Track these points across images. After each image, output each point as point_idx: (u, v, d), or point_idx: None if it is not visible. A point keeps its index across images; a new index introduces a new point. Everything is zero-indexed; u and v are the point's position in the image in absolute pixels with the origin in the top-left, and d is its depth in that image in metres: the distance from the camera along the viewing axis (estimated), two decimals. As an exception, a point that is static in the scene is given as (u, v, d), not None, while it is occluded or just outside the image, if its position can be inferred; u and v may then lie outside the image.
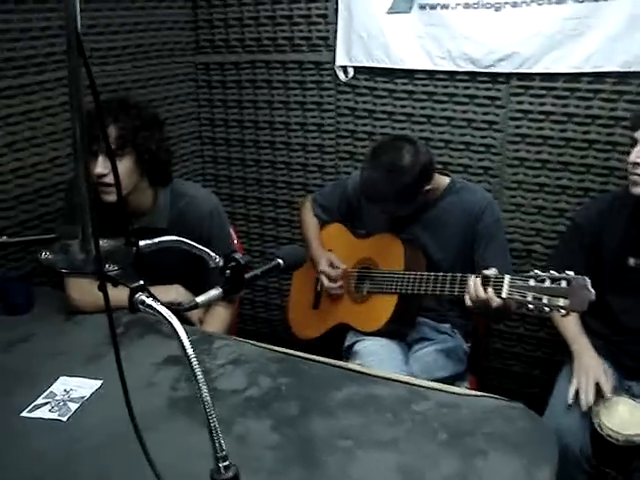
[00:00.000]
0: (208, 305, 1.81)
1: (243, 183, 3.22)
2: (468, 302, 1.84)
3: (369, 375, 1.68)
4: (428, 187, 2.06)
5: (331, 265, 2.32)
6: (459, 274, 1.96)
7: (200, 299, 1.15)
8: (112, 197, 1.87)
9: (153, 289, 2.04)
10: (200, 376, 0.83)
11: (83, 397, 1.59)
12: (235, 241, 2.37)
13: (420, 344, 2.23)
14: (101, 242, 0.86)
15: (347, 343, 2.26)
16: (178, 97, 3.03)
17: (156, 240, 1.12)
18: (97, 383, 1.65)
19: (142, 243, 1.01)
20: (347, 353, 2.24)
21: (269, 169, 3.12)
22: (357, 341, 2.21)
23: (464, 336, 2.30)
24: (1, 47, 2.14)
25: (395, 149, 2.01)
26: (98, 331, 1.89)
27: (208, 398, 0.81)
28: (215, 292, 1.17)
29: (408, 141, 2.05)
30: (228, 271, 1.17)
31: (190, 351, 0.84)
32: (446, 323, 2.28)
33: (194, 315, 2.10)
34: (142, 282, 0.92)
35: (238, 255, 1.19)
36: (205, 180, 3.29)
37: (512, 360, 2.87)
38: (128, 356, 1.73)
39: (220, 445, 0.83)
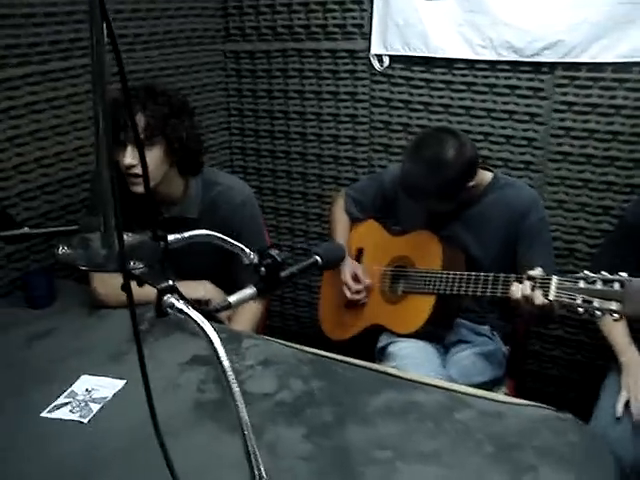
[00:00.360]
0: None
1: (272, 175, 3.16)
2: (513, 303, 1.74)
3: (407, 380, 1.59)
4: (472, 183, 1.96)
5: (355, 278, 2.23)
6: (502, 274, 1.86)
7: (233, 299, 1.06)
8: (142, 188, 1.81)
9: (181, 284, 2.02)
10: (239, 398, 0.73)
11: (105, 398, 1.53)
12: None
13: (458, 347, 2.13)
14: (125, 236, 0.76)
15: (380, 344, 2.17)
16: (206, 86, 2.96)
17: (186, 235, 1.03)
18: (120, 383, 1.58)
19: (171, 237, 0.91)
20: (380, 355, 2.15)
21: (299, 161, 3.05)
22: (391, 342, 2.12)
23: (503, 338, 2.20)
24: (26, 32, 2.07)
25: (438, 142, 1.91)
26: (123, 327, 1.83)
27: (247, 419, 0.72)
28: (249, 291, 1.08)
29: (452, 134, 1.94)
30: (263, 269, 1.08)
31: (227, 365, 0.74)
32: (485, 325, 2.17)
33: (223, 312, 2.02)
34: (171, 282, 0.82)
35: (274, 251, 1.09)
36: (233, 172, 3.22)
37: (550, 363, 2.76)
38: (152, 355, 1.68)
39: (259, 470, 0.73)
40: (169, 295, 0.84)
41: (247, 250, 1.13)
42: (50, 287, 2.04)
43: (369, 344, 2.23)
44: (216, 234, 1.13)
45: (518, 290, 1.72)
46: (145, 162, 1.05)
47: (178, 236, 1.01)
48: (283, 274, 1.12)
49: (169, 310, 0.85)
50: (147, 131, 1.78)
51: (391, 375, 1.62)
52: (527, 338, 2.61)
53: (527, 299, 1.70)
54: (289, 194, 3.14)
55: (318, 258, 1.22)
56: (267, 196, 3.20)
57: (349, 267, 2.24)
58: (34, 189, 2.18)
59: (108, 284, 1.92)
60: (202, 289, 2.00)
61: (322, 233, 3.10)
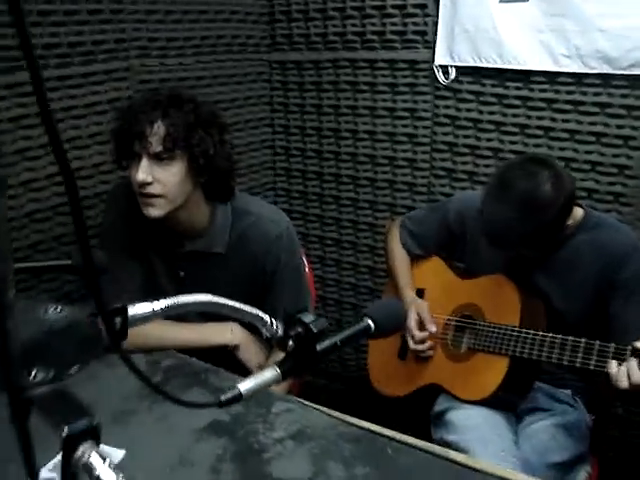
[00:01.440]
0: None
1: (319, 200, 2.90)
2: (614, 382, 1.43)
3: (478, 471, 1.25)
4: (568, 223, 1.63)
5: (420, 324, 1.91)
6: (597, 342, 1.54)
7: (245, 386, 0.73)
8: (158, 211, 1.54)
9: (204, 326, 1.71)
10: None
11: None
12: (306, 268, 1.98)
13: (533, 416, 1.78)
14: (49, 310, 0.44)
15: (438, 408, 1.84)
16: (249, 99, 2.71)
17: (171, 302, 0.70)
18: (119, 454, 1.29)
19: (140, 310, 0.59)
20: (437, 420, 1.82)
21: (350, 185, 2.79)
22: (451, 408, 1.78)
23: (586, 404, 1.85)
24: (68, 31, 1.90)
25: (530, 176, 1.57)
26: (131, 379, 1.54)
27: None
28: (269, 375, 0.75)
29: (544, 164, 1.61)
30: (290, 342, 0.75)
31: None
32: (566, 389, 1.83)
33: (252, 360, 1.73)
34: (89, 422, 0.49)
35: (307, 317, 0.77)
36: (277, 195, 2.99)
37: (637, 430, 2.36)
38: (164, 417, 1.41)
39: None
40: (84, 444, 0.51)
41: (266, 318, 0.80)
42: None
43: (423, 404, 1.91)
44: (220, 301, 0.80)
45: (623, 376, 1.43)
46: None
47: (144, 310, 0.68)
48: (320, 347, 0.80)
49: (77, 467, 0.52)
50: (167, 142, 1.49)
51: (458, 463, 1.28)
52: (613, 403, 2.23)
53: (631, 380, 1.40)
54: (337, 221, 2.88)
55: (371, 323, 0.89)
56: (312, 223, 2.95)
57: (414, 311, 1.93)
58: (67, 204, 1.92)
59: None
60: (229, 333, 1.71)
61: (373, 267, 2.82)
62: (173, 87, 1.81)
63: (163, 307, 0.65)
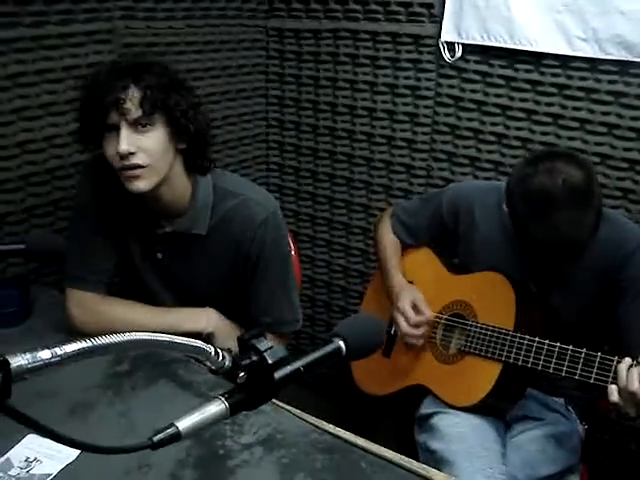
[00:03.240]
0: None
1: (312, 178, 2.78)
2: (614, 398, 1.33)
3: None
4: None
5: (414, 307, 1.78)
6: (598, 354, 1.45)
7: (185, 424, 0.62)
8: (144, 183, 1.43)
9: (177, 311, 1.61)
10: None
11: (48, 476, 1.15)
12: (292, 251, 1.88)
13: (522, 424, 1.69)
14: None
15: (423, 411, 1.74)
16: (242, 68, 2.56)
17: (73, 348, 0.57)
18: (73, 453, 1.19)
19: (15, 363, 0.47)
20: (422, 423, 1.72)
21: (345, 164, 2.67)
22: (438, 412, 1.68)
23: (580, 414, 1.77)
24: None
25: (554, 172, 1.47)
26: (98, 366, 1.48)
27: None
28: (215, 410, 0.64)
29: (553, 155, 1.53)
30: (242, 374, 0.64)
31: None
32: (559, 397, 1.74)
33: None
34: None
35: (263, 343, 0.65)
36: (268, 170, 2.87)
37: (629, 436, 2.28)
38: (127, 412, 1.34)
39: None
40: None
41: (208, 348, 0.68)
42: (21, 302, 1.69)
43: (409, 404, 1.81)
44: (151, 337, 0.67)
45: (626, 381, 1.33)
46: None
47: (49, 354, 0.56)
48: (279, 376, 0.68)
49: None
50: (145, 106, 1.38)
51: (436, 483, 1.18)
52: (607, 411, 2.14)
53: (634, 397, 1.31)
54: (330, 200, 2.76)
55: (342, 345, 0.77)
56: (305, 200, 2.84)
57: (408, 293, 1.83)
58: None
59: (87, 308, 1.58)
60: (204, 320, 1.62)
61: (365, 250, 2.71)
62: (137, 53, 1.70)
63: (61, 354, 0.53)
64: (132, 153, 1.39)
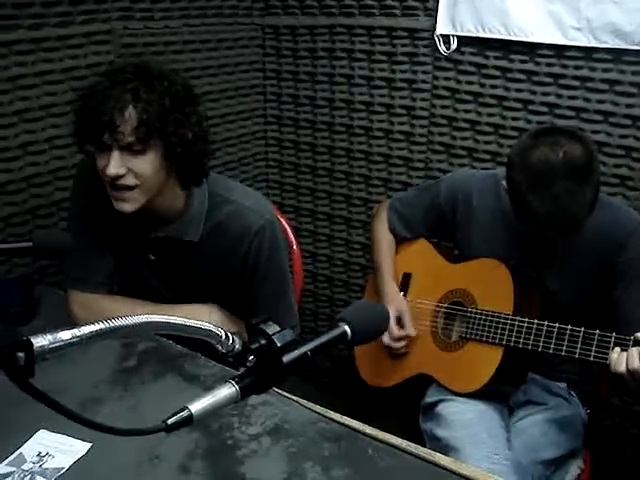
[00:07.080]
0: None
1: (312, 173, 2.80)
2: (612, 366, 1.39)
3: (464, 477, 1.18)
4: None
5: (399, 322, 1.83)
6: (596, 331, 1.47)
7: (197, 407, 0.64)
8: (131, 206, 1.42)
9: (179, 308, 1.60)
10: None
11: (59, 470, 1.16)
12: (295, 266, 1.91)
13: (525, 409, 1.72)
14: None
15: (428, 399, 1.76)
16: (239, 66, 2.58)
17: (93, 329, 0.60)
18: (84, 447, 1.21)
19: (37, 344, 0.50)
20: (428, 412, 1.75)
21: (344, 158, 2.70)
22: (442, 400, 1.70)
23: (582, 399, 1.79)
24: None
25: (555, 145, 1.48)
26: (106, 363, 1.49)
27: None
28: (226, 393, 0.66)
29: (555, 131, 1.54)
30: (252, 357, 0.66)
31: None
32: (562, 382, 1.77)
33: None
34: None
35: (271, 327, 0.67)
36: (267, 167, 2.89)
37: (629, 420, 2.30)
38: (134, 406, 1.35)
39: None
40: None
41: (219, 332, 0.70)
42: (27, 302, 1.69)
43: (413, 394, 1.83)
44: (163, 319, 0.70)
45: (622, 361, 1.35)
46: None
47: (70, 334, 0.59)
48: (287, 359, 0.70)
49: None
50: (140, 132, 1.34)
51: (442, 467, 1.20)
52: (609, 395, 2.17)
53: (633, 374, 1.32)
54: (330, 195, 2.79)
55: (348, 329, 0.79)
56: (305, 196, 2.86)
57: (395, 305, 1.85)
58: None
59: (89, 307, 1.58)
60: (207, 314, 1.62)
61: (365, 243, 2.73)
62: (141, 59, 1.65)
63: (80, 335, 0.55)
64: (121, 175, 1.37)
